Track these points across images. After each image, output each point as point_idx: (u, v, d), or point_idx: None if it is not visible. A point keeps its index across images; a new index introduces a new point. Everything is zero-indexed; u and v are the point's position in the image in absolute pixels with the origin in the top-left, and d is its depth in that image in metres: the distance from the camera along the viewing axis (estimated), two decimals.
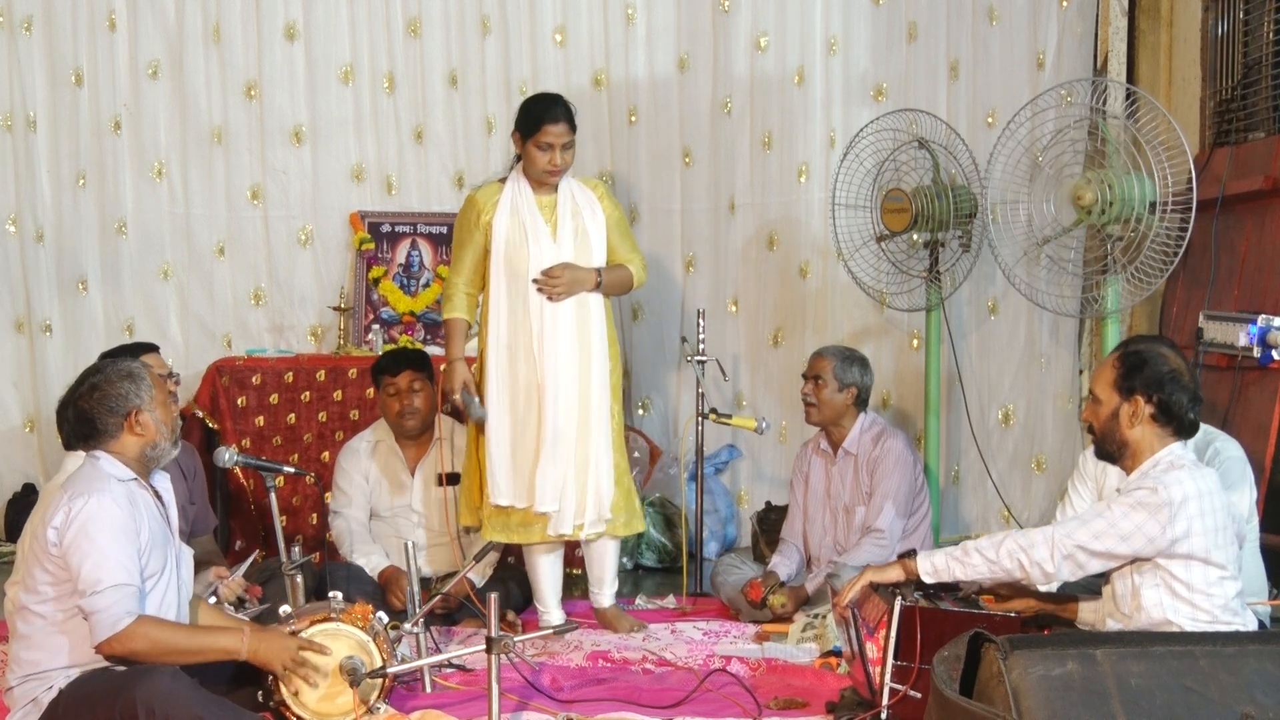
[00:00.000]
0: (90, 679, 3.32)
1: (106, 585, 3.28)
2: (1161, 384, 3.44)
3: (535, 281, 4.61)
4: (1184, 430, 3.47)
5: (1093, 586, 3.62)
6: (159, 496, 3.57)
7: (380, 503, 5.19)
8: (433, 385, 5.18)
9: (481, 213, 4.70)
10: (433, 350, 5.79)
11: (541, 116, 4.64)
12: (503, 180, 4.77)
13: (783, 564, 5.06)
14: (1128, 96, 5.07)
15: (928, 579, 3.51)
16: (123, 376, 3.50)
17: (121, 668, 3.33)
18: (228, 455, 4.18)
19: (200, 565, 4.10)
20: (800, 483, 5.20)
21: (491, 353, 4.66)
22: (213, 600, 4.09)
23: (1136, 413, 3.46)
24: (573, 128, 4.68)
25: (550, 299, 4.61)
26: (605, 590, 4.83)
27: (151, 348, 4.75)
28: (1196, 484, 3.35)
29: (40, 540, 3.35)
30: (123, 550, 3.32)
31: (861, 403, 5.09)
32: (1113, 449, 3.53)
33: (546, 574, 4.79)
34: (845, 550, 4.95)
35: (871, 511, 4.94)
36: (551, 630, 4.36)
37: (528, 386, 4.62)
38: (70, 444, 4.10)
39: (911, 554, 3.57)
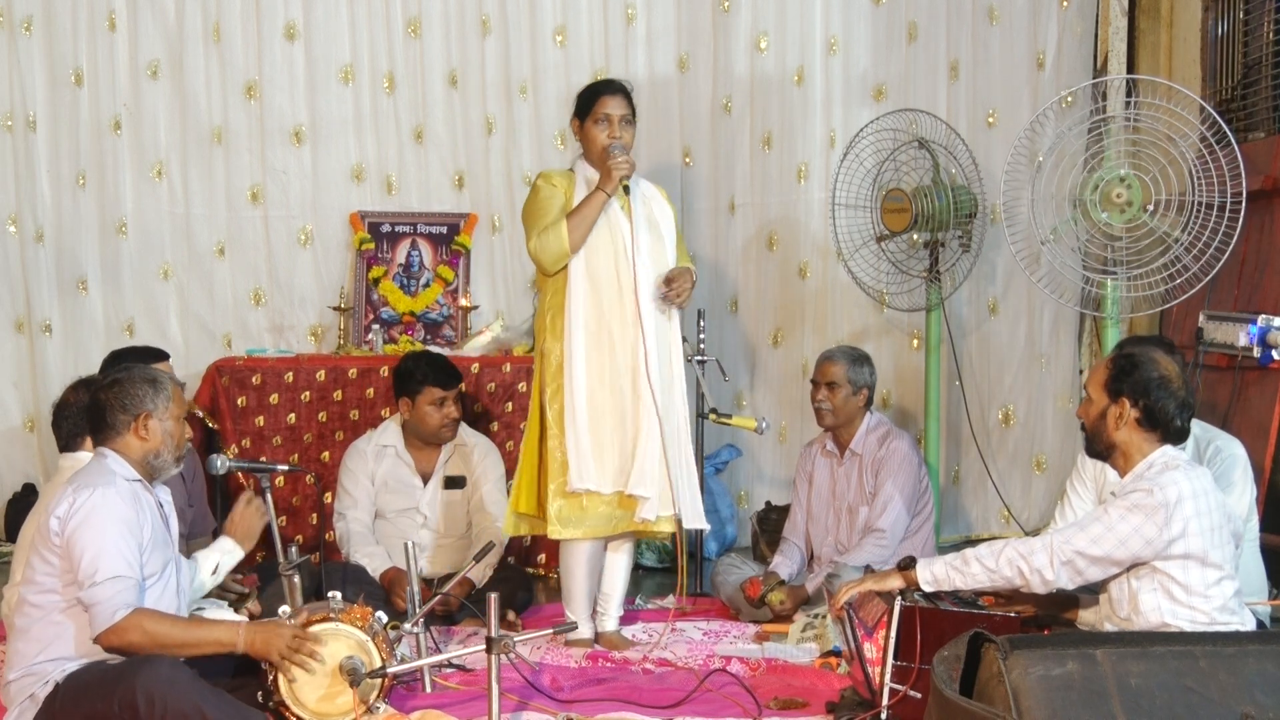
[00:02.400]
0: (89, 670, 3.33)
1: (106, 577, 3.29)
2: (1148, 390, 3.43)
3: (662, 290, 4.43)
4: (1170, 436, 3.47)
5: (1094, 589, 3.62)
6: (160, 505, 3.59)
7: (386, 504, 5.19)
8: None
9: (559, 188, 4.54)
10: (433, 350, 5.80)
11: (598, 90, 4.56)
12: (568, 170, 4.64)
13: (784, 564, 5.05)
14: (1129, 92, 5.06)
15: (927, 588, 3.51)
16: (146, 380, 3.54)
17: (120, 659, 3.34)
18: (220, 463, 4.15)
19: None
20: (804, 482, 5.19)
21: (572, 337, 4.44)
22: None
23: (1122, 415, 3.46)
24: (632, 108, 4.56)
25: (679, 307, 4.51)
26: (612, 612, 4.68)
27: (162, 356, 4.69)
28: (1192, 484, 3.35)
29: (43, 530, 3.37)
30: (124, 543, 3.34)
31: (869, 401, 5.10)
32: (1101, 449, 3.54)
33: (586, 575, 4.58)
34: (847, 550, 4.95)
35: (874, 511, 4.94)
36: (551, 631, 4.34)
37: (614, 371, 4.45)
38: (69, 443, 4.11)
39: (911, 563, 3.56)
